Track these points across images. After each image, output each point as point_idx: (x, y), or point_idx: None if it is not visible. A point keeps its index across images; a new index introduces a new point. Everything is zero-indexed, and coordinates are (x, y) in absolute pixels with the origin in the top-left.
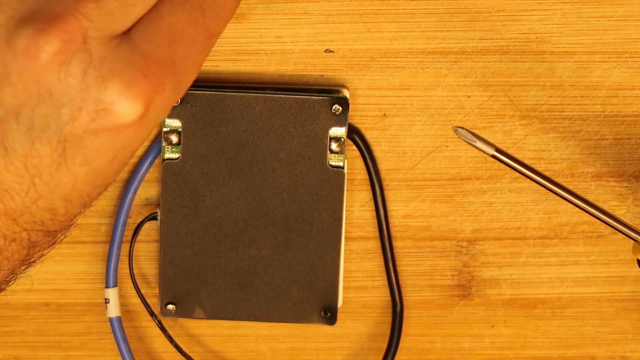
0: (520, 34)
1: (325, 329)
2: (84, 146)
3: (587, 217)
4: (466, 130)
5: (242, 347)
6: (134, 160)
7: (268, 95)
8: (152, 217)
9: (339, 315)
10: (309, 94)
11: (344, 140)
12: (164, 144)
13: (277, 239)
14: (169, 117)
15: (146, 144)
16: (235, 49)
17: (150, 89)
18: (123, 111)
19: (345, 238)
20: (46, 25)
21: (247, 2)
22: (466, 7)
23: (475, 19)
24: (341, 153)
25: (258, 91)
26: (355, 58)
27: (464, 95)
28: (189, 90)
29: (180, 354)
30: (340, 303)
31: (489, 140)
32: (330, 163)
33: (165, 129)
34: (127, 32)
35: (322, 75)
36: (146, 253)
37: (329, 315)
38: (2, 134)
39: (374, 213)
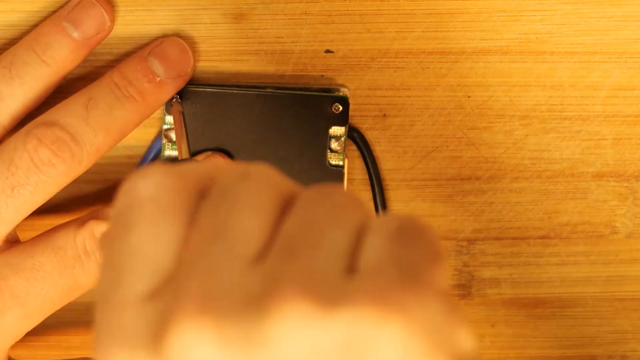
0: (520, 34)
1: None
2: None
3: (587, 217)
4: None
5: None
6: (134, 160)
7: (268, 93)
8: None
9: None
10: (309, 92)
11: (344, 139)
12: (164, 141)
13: None
14: (170, 114)
15: (146, 142)
16: (235, 49)
17: None
18: None
19: None
20: None
21: (247, 2)
22: (466, 7)
23: (475, 19)
24: (341, 152)
25: (258, 89)
26: (355, 58)
27: (464, 95)
28: (189, 87)
29: None
30: None
31: None
32: (330, 162)
33: (165, 127)
34: None
35: (322, 76)
36: None
37: None
38: None
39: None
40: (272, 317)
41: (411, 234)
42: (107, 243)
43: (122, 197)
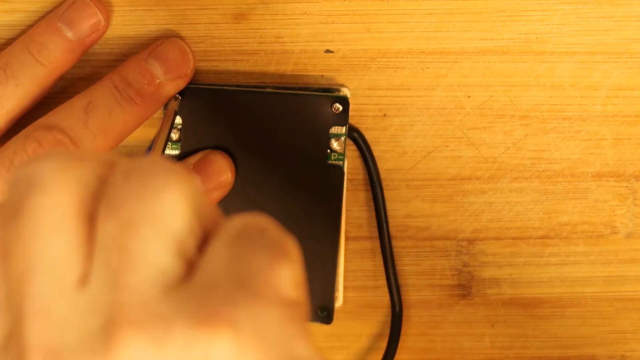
0: (520, 34)
1: (325, 328)
2: None
3: (587, 217)
4: None
5: None
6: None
7: (269, 92)
8: None
9: (339, 315)
10: (309, 92)
11: (344, 139)
12: None
13: None
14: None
15: (146, 142)
16: (235, 49)
17: None
18: None
19: (345, 238)
20: None
21: (247, 2)
22: (466, 7)
23: (475, 19)
24: (341, 152)
25: (258, 89)
26: (355, 58)
27: (464, 95)
28: (189, 85)
29: None
30: (340, 303)
31: None
32: (330, 162)
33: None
34: None
35: (322, 76)
36: None
37: (326, 314)
38: None
39: (374, 213)
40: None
41: (252, 235)
42: None
43: None
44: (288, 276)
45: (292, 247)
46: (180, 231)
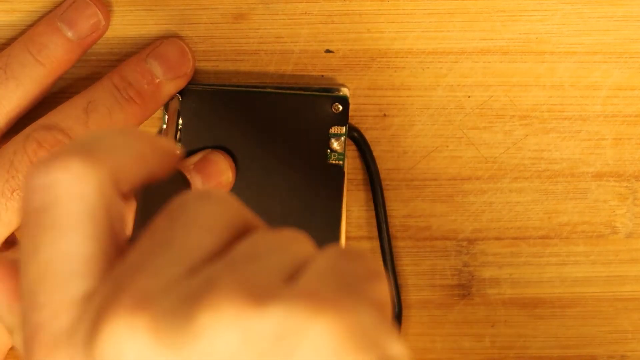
0: (520, 34)
1: None
2: None
3: (588, 217)
4: None
5: None
6: None
7: (269, 92)
8: None
9: None
10: (309, 92)
11: (344, 139)
12: None
13: None
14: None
15: None
16: (235, 49)
17: None
18: None
19: (345, 238)
20: None
21: (247, 2)
22: (466, 7)
23: (475, 19)
24: (341, 152)
25: (258, 89)
26: (355, 58)
27: (464, 95)
28: (189, 86)
29: None
30: None
31: None
32: (330, 162)
33: (165, 126)
34: None
35: (322, 76)
36: None
37: None
38: None
39: (373, 213)
40: (205, 312)
41: (353, 255)
42: (30, 243)
43: (40, 190)
44: (382, 289)
45: (383, 272)
46: (297, 254)
